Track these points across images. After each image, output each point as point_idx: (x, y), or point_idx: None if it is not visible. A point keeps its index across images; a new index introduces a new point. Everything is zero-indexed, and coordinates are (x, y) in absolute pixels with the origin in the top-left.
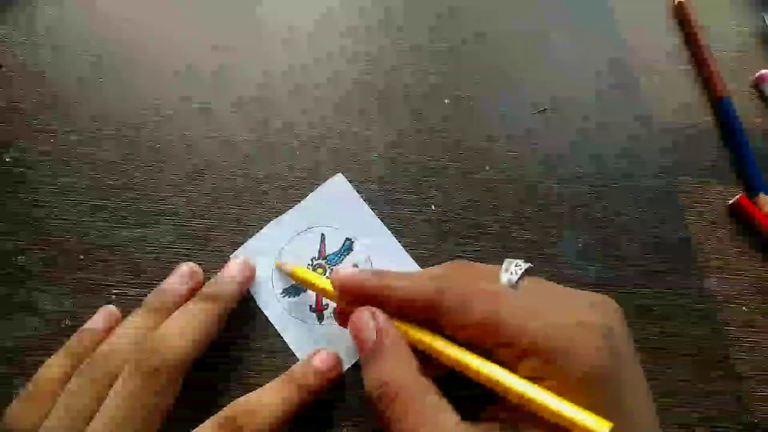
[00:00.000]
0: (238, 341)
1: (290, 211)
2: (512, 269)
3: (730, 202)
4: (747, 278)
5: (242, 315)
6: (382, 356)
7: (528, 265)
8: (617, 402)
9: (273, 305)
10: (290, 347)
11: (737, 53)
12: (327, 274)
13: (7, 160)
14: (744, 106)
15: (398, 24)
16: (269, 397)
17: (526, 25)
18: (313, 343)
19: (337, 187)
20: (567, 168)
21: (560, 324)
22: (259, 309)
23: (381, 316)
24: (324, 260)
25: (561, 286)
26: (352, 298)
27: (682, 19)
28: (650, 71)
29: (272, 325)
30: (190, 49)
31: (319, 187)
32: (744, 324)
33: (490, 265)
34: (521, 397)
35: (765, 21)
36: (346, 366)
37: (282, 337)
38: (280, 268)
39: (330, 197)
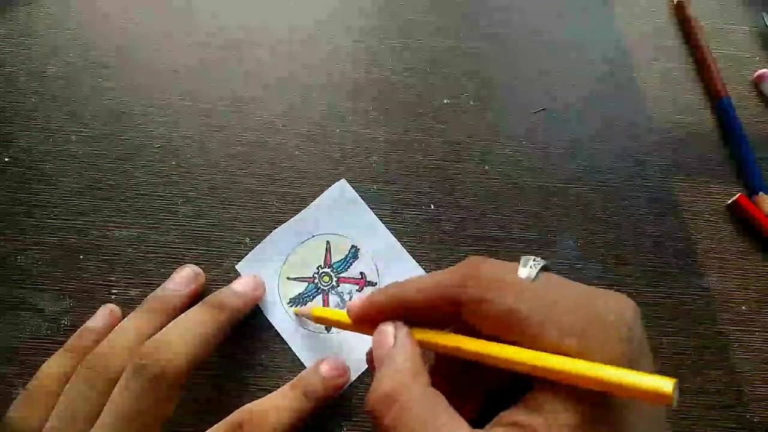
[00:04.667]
0: (246, 348)
1: (293, 218)
2: (531, 264)
3: (730, 201)
4: (747, 278)
5: (250, 322)
6: (388, 364)
7: (545, 261)
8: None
9: (280, 315)
10: (298, 356)
11: (737, 53)
12: (334, 282)
13: (6, 160)
14: (744, 106)
15: (399, 24)
16: (276, 404)
17: (526, 25)
18: (321, 352)
19: (341, 193)
20: (567, 168)
21: (579, 323)
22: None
23: (401, 326)
24: (330, 268)
25: (577, 283)
26: (372, 321)
27: (682, 19)
28: (650, 71)
29: (279, 333)
30: (191, 50)
31: (322, 194)
32: (744, 324)
33: (505, 261)
34: (566, 373)
35: (765, 21)
36: (354, 375)
37: (289, 345)
38: (299, 315)
39: (334, 204)
